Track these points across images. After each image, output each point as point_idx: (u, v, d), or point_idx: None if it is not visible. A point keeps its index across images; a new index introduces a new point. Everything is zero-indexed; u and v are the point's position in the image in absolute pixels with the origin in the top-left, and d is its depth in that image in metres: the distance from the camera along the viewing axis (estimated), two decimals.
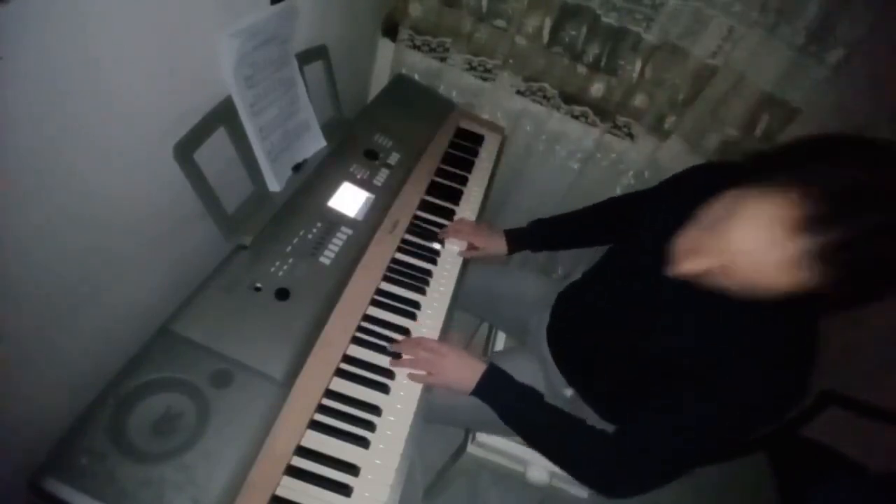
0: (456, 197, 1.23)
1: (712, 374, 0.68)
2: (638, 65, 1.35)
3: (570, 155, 1.57)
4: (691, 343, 0.72)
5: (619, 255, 0.97)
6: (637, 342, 0.79)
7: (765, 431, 0.70)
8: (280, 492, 0.69)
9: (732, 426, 0.69)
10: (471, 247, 1.11)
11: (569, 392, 0.97)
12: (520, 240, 1.15)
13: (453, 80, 1.50)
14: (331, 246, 0.91)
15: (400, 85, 1.43)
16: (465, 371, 0.85)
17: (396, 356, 0.88)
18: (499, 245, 1.13)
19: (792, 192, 0.54)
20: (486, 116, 1.52)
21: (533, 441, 0.85)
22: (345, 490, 0.71)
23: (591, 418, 0.92)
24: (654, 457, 0.73)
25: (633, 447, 0.75)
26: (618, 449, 0.76)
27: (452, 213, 1.19)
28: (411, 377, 0.86)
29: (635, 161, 1.51)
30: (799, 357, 0.66)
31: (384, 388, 0.84)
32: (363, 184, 1.05)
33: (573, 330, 0.98)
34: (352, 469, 0.74)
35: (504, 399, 0.84)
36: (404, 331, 0.93)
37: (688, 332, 0.73)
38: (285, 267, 0.85)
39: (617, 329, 0.85)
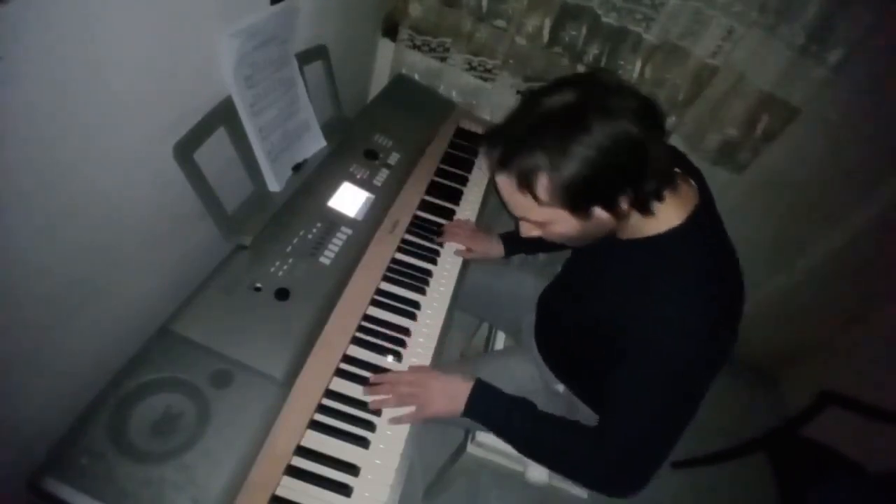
0: (456, 197, 1.23)
1: (631, 343, 0.70)
2: (638, 65, 1.35)
3: None
4: (608, 310, 0.77)
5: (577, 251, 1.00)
6: (591, 324, 0.82)
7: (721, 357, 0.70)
8: (280, 492, 0.69)
9: (682, 379, 0.68)
10: (468, 248, 1.11)
11: (560, 388, 0.98)
12: (515, 243, 1.15)
13: (453, 80, 1.49)
14: (331, 246, 0.91)
15: (400, 85, 1.43)
16: (451, 397, 0.83)
17: (379, 396, 0.82)
18: (495, 249, 1.14)
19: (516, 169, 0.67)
20: (486, 116, 1.51)
21: (529, 453, 0.83)
22: (345, 490, 0.71)
23: (585, 412, 0.93)
24: (637, 448, 0.72)
25: (614, 445, 0.73)
26: (603, 451, 0.74)
27: (452, 213, 1.19)
28: (396, 420, 0.80)
29: None
30: (683, 282, 0.68)
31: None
32: (363, 184, 1.05)
33: (553, 328, 0.99)
34: (352, 469, 0.74)
35: (495, 416, 0.83)
36: (404, 331, 0.93)
37: (608, 298, 0.79)
38: (285, 267, 0.85)
39: (580, 320, 0.87)
